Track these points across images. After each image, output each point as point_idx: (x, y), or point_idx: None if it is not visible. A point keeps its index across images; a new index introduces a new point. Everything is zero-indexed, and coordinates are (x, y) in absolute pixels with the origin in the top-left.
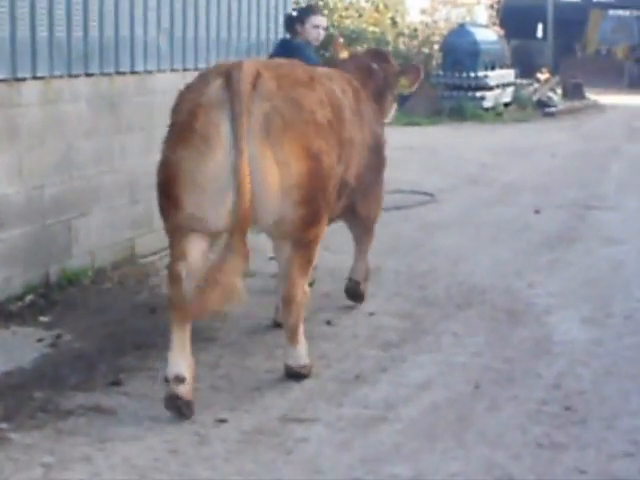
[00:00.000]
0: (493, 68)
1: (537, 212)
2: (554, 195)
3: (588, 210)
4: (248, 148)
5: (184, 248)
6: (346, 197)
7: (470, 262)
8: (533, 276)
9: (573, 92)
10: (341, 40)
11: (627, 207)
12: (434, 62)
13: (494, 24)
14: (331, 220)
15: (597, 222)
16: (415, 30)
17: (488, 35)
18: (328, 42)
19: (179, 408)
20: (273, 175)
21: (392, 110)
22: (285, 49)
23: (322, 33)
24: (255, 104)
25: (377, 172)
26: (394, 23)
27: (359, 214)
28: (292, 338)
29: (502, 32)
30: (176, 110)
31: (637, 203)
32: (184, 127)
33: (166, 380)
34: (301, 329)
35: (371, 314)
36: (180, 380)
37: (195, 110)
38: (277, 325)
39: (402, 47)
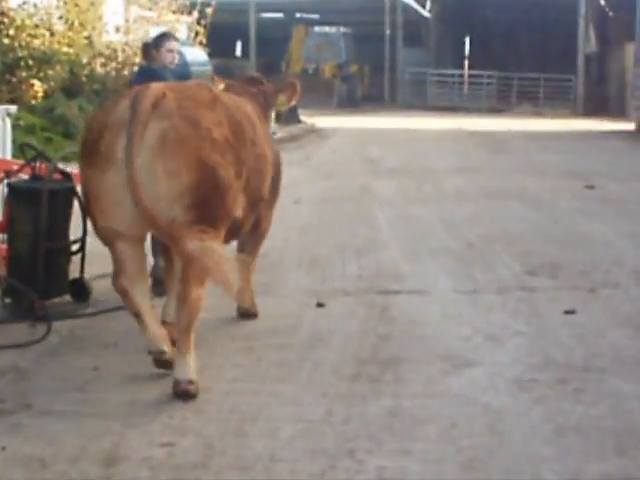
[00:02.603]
0: None
1: (320, 305)
2: (328, 270)
3: (387, 297)
4: (137, 161)
5: (119, 261)
6: (258, 210)
7: (271, 426)
8: (375, 458)
9: (288, 116)
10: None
11: (436, 290)
12: None
13: (200, 43)
14: (240, 230)
15: (411, 322)
16: (115, 51)
17: (198, 55)
18: None
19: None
20: (161, 183)
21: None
22: (145, 75)
23: (176, 56)
24: (153, 122)
25: (277, 187)
26: (90, 43)
27: (260, 227)
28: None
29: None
30: (87, 129)
31: (446, 281)
32: (91, 147)
33: (150, 353)
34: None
35: None
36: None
37: (101, 131)
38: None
39: (100, 70)
